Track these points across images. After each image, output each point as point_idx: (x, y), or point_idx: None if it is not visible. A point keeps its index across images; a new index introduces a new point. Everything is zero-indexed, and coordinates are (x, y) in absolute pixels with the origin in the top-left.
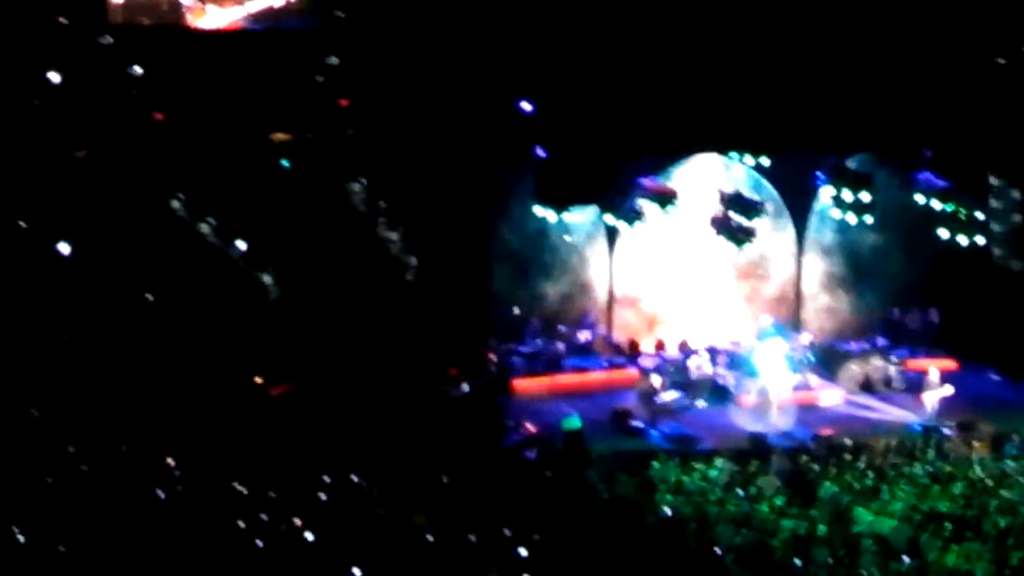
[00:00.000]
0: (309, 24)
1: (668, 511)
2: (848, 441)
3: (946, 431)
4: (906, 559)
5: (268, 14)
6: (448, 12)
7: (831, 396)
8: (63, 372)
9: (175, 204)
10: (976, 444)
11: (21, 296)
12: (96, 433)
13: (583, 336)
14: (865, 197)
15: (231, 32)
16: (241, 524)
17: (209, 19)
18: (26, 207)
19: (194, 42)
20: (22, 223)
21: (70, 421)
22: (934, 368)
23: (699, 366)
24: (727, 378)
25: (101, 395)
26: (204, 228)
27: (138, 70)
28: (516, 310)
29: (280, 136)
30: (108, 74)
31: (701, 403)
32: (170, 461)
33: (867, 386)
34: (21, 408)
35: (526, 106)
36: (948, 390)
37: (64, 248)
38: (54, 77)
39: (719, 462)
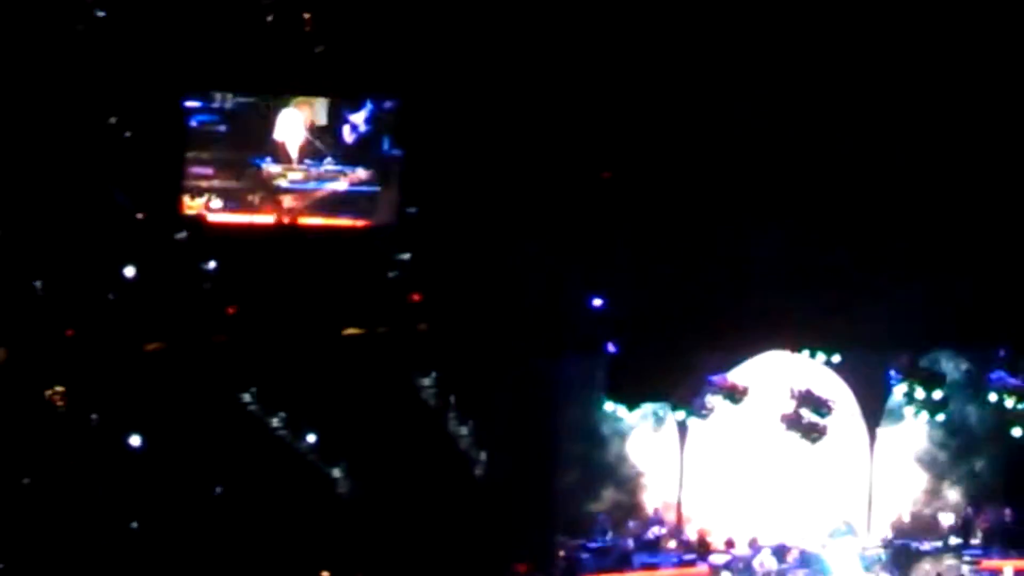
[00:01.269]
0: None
1: None
2: None
3: None
4: None
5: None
6: (519, 206)
7: None
8: (132, 566)
9: (246, 397)
10: None
11: (91, 488)
12: None
13: (652, 532)
14: (938, 395)
15: (304, 228)
16: None
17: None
18: (98, 400)
19: (268, 236)
20: (94, 416)
21: None
22: (1009, 568)
23: (762, 563)
24: None
25: None
26: (275, 421)
27: (211, 264)
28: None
29: (352, 331)
30: (181, 268)
31: None
32: None
33: None
34: None
35: (597, 302)
36: None
37: (135, 441)
38: (128, 271)
39: None
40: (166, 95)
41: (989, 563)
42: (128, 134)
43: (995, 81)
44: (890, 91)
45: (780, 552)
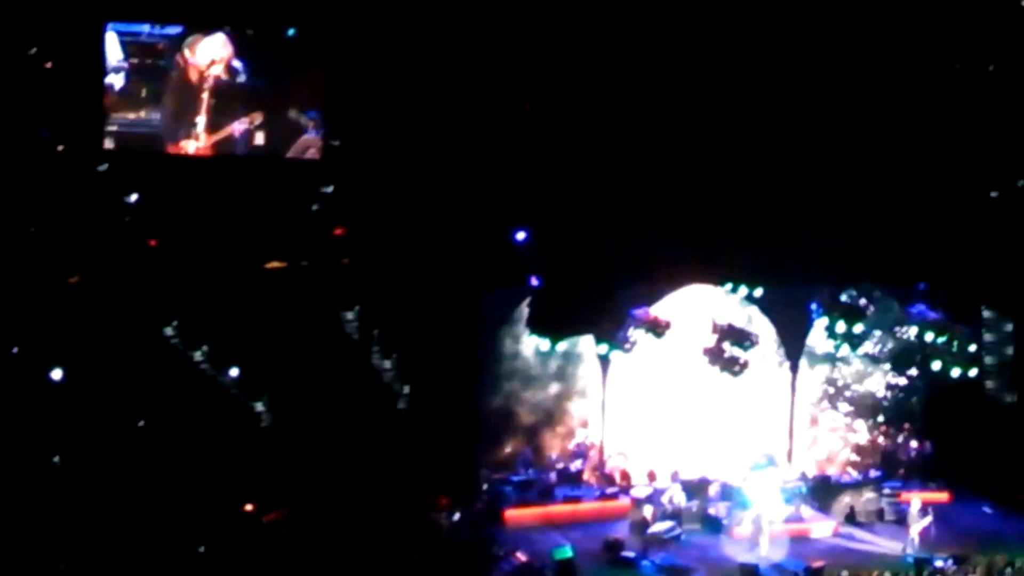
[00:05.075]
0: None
1: None
2: (841, 573)
3: (939, 563)
4: None
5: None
6: (443, 140)
7: (823, 528)
8: (54, 498)
9: (168, 331)
10: None
11: (12, 422)
12: (88, 561)
13: (575, 466)
14: (859, 329)
15: (229, 159)
16: None
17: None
18: (19, 333)
19: (190, 169)
20: (15, 349)
21: (62, 546)
22: (916, 499)
23: (672, 498)
24: (719, 508)
25: (93, 522)
26: (197, 355)
27: (133, 197)
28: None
29: (275, 264)
30: (103, 201)
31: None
32: None
33: (860, 518)
34: (12, 534)
35: (520, 235)
36: (927, 520)
37: (57, 374)
38: (50, 203)
39: None
40: (86, 25)
41: (908, 495)
42: (48, 65)
43: (913, 28)
44: (812, 31)
45: (701, 485)
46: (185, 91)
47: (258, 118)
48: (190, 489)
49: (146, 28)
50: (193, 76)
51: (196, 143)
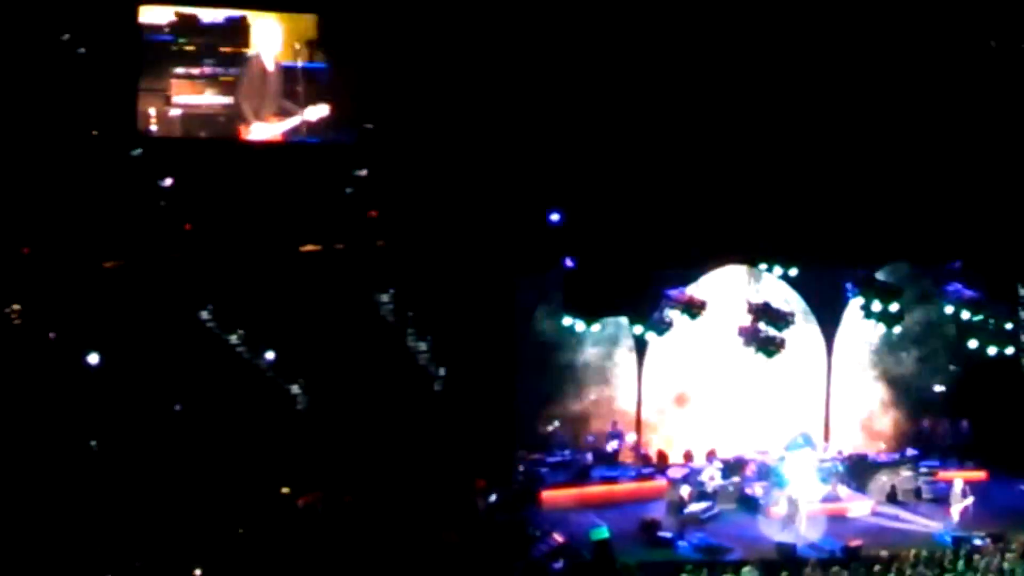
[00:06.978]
0: (340, 137)
1: None
2: (879, 552)
3: (977, 542)
4: None
5: (302, 128)
6: (478, 123)
7: (860, 507)
8: (91, 483)
9: (204, 315)
10: (1007, 555)
11: (50, 407)
12: (125, 545)
13: (611, 446)
14: (894, 308)
15: (261, 144)
16: None
17: (254, 133)
18: (56, 318)
19: (225, 154)
20: (52, 334)
21: (99, 530)
22: (959, 479)
23: (712, 476)
24: (755, 488)
25: (129, 505)
26: (233, 338)
27: (168, 181)
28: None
29: (309, 247)
30: (138, 185)
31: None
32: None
33: (896, 497)
34: (48, 515)
35: (554, 216)
36: (968, 501)
37: (93, 359)
38: (86, 188)
39: (748, 572)
40: (121, 10)
41: (945, 474)
42: (82, 50)
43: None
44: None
45: (738, 465)
46: (256, 76)
47: (324, 109)
48: (226, 472)
49: (208, 12)
50: (263, 62)
51: (267, 126)
